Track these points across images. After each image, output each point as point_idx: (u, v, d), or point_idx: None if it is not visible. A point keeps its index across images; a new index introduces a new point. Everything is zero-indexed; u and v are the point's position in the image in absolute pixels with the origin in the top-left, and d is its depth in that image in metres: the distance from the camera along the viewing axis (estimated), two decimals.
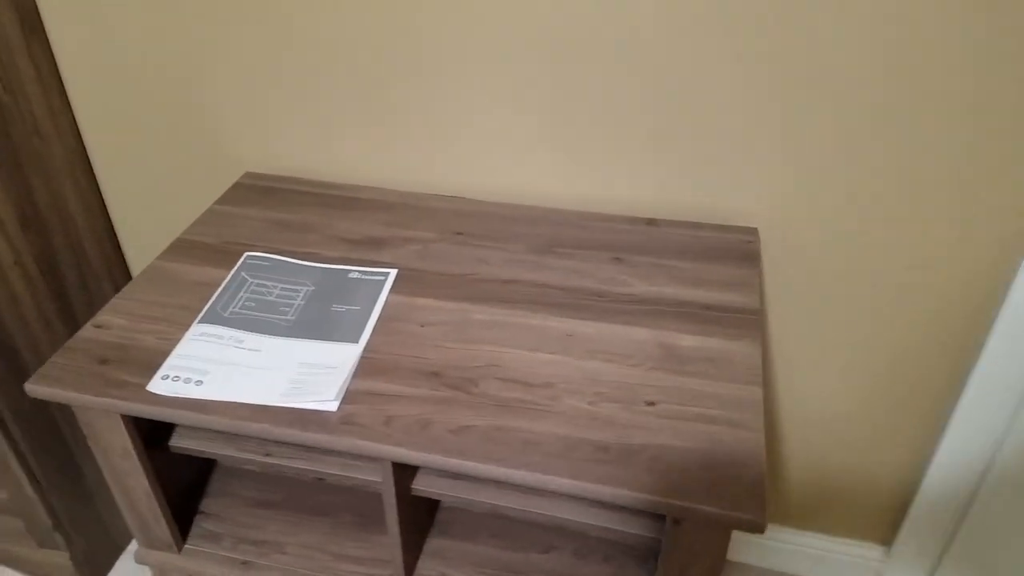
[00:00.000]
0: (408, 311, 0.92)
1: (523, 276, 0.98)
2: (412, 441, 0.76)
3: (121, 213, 1.34)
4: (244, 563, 0.98)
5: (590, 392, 0.82)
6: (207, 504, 1.04)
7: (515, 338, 0.88)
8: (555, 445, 0.76)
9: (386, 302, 0.93)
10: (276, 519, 1.02)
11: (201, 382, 0.81)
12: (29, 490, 1.22)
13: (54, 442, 1.25)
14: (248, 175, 1.19)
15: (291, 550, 0.98)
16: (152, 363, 0.84)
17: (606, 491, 0.72)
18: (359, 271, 0.98)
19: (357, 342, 0.87)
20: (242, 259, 0.99)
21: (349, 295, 0.94)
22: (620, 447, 0.75)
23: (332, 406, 0.79)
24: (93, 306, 1.32)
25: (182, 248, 1.02)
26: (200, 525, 1.01)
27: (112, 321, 0.89)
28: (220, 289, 0.94)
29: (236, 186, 1.16)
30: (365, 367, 0.84)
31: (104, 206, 1.32)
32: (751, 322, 0.91)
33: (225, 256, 1.01)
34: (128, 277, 1.41)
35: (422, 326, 0.90)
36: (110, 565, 1.44)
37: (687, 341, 0.88)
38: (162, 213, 1.31)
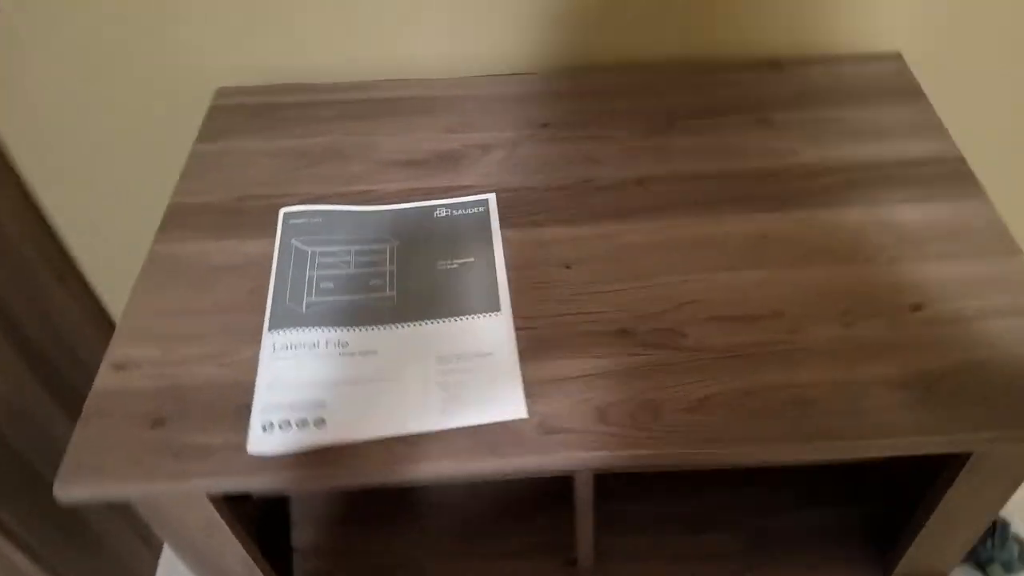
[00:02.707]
0: (538, 250, 0.68)
1: (656, 169, 0.74)
2: (652, 438, 0.55)
3: (45, 177, 0.98)
4: None
5: (833, 310, 0.62)
6: (300, 538, 0.81)
7: (696, 259, 0.66)
8: (833, 397, 0.56)
9: (505, 243, 0.68)
10: (394, 534, 0.80)
11: (323, 421, 0.56)
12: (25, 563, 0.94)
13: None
14: (223, 92, 0.86)
15: (443, 565, 0.78)
16: (231, 408, 0.57)
17: (926, 442, 0.54)
18: (445, 205, 0.72)
19: (499, 309, 0.63)
20: (280, 219, 0.71)
21: (450, 242, 0.68)
22: (911, 376, 0.57)
23: (522, 411, 0.56)
24: (48, 330, 0.99)
25: (182, 217, 0.72)
26: (305, 568, 0.79)
27: (137, 355, 0.61)
28: (273, 272, 0.66)
29: (214, 112, 0.84)
30: (526, 343, 0.61)
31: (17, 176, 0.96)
32: (963, 173, 0.72)
33: (247, 218, 0.72)
34: (78, 277, 1.08)
35: (568, 267, 0.66)
36: None
37: (909, 214, 0.68)
38: (101, 175, 0.96)
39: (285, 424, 0.56)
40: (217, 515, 0.62)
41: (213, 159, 0.78)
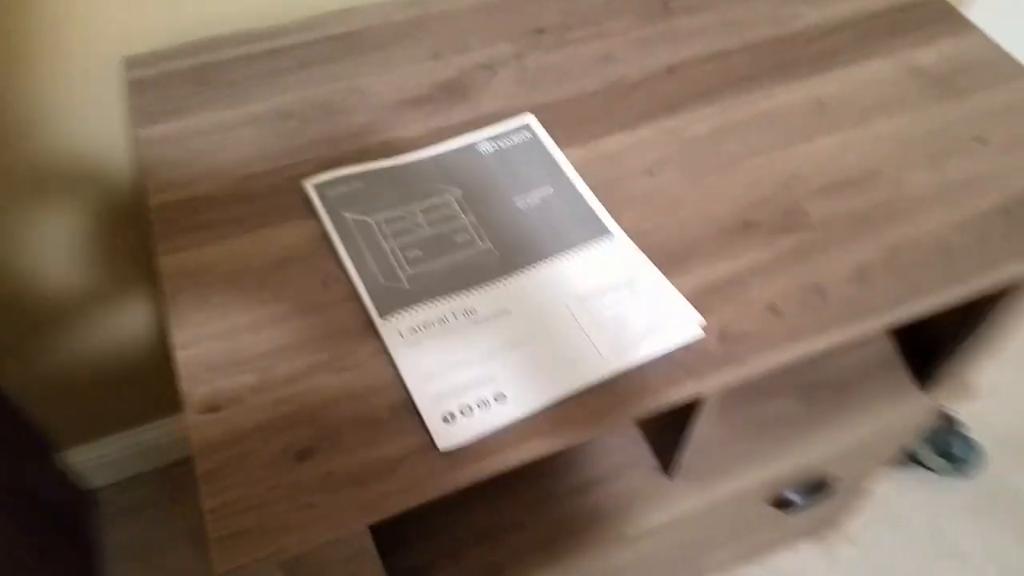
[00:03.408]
0: (608, 165, 0.63)
1: (677, 55, 0.71)
2: (832, 317, 0.53)
3: None
4: None
5: (918, 156, 0.63)
6: (419, 555, 0.72)
7: (768, 136, 0.64)
8: (960, 235, 0.58)
9: (573, 164, 0.62)
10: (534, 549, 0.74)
11: (503, 395, 0.48)
12: None
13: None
14: (135, 63, 0.69)
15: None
16: (385, 412, 0.48)
17: None
18: (487, 139, 0.64)
19: (610, 231, 0.58)
20: (313, 194, 0.59)
21: (514, 177, 0.61)
22: (1008, 203, 0.60)
23: (697, 328, 0.52)
24: None
25: (177, 218, 0.58)
26: None
27: (227, 388, 0.49)
28: (344, 254, 0.55)
29: (136, 87, 0.67)
30: (656, 259, 0.56)
31: None
32: (948, 10, 0.75)
33: (264, 203, 0.59)
34: None
35: (651, 174, 0.62)
36: None
37: (926, 57, 0.71)
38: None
39: (466, 409, 0.48)
40: (368, 542, 0.53)
41: (173, 144, 0.63)
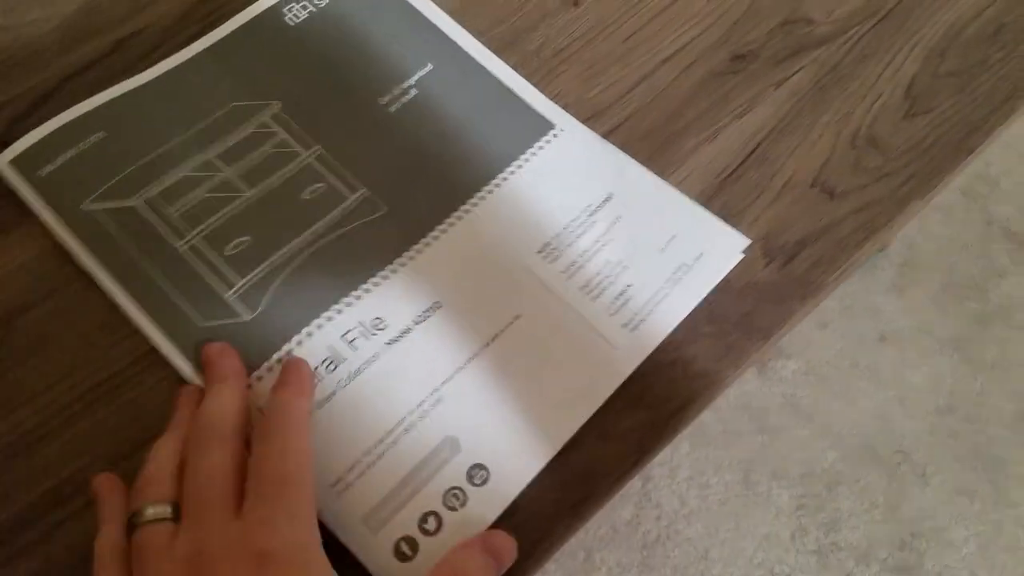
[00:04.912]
0: (512, 5, 0.39)
1: None
2: (898, 168, 0.36)
3: None
4: None
5: None
6: None
7: None
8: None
9: (445, 14, 0.38)
10: None
11: (483, 470, 0.28)
12: None
13: None
14: None
15: None
16: None
17: None
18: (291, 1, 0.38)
19: (550, 120, 0.35)
20: (18, 185, 0.32)
21: (363, 56, 0.36)
22: None
23: (740, 240, 0.33)
24: None
25: None
26: None
27: None
28: (109, 286, 0.30)
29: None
30: (630, 149, 0.35)
31: None
32: None
33: None
34: None
35: (576, 4, 0.39)
36: None
37: None
38: None
39: (430, 521, 0.27)
40: None
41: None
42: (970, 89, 0.38)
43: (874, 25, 0.39)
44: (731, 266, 0.32)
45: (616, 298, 0.31)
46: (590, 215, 0.33)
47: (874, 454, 0.91)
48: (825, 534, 0.87)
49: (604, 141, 0.35)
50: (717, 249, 0.33)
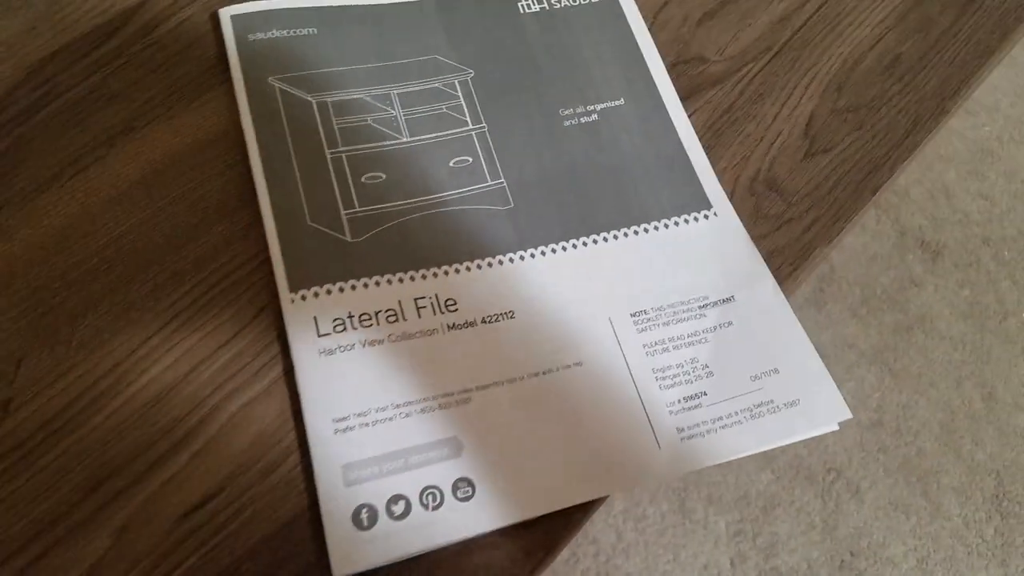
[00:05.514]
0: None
1: None
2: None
3: None
4: None
5: None
6: None
7: None
8: None
9: (659, 56, 0.35)
10: None
11: (470, 484, 0.25)
12: None
13: None
14: None
15: None
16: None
17: None
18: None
19: (710, 201, 0.34)
20: (229, 39, 0.33)
21: (571, 64, 0.36)
22: None
23: (834, 424, 0.30)
24: None
25: None
26: None
27: None
28: (254, 157, 0.31)
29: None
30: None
31: None
32: None
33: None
34: None
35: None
36: None
37: None
38: None
39: (399, 506, 0.26)
40: None
41: None
42: (870, 124, 0.36)
43: (769, 61, 0.37)
44: (821, 432, 0.29)
45: (685, 399, 0.29)
46: (701, 307, 0.31)
47: (808, 473, 0.91)
48: (765, 559, 0.86)
49: (752, 244, 0.32)
50: (814, 409, 0.30)
